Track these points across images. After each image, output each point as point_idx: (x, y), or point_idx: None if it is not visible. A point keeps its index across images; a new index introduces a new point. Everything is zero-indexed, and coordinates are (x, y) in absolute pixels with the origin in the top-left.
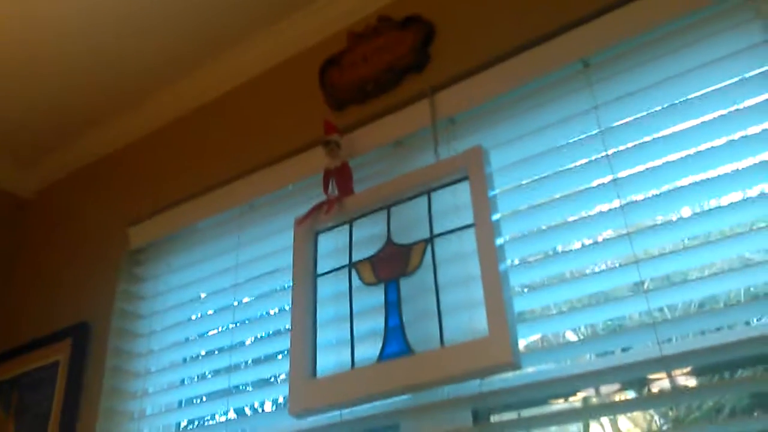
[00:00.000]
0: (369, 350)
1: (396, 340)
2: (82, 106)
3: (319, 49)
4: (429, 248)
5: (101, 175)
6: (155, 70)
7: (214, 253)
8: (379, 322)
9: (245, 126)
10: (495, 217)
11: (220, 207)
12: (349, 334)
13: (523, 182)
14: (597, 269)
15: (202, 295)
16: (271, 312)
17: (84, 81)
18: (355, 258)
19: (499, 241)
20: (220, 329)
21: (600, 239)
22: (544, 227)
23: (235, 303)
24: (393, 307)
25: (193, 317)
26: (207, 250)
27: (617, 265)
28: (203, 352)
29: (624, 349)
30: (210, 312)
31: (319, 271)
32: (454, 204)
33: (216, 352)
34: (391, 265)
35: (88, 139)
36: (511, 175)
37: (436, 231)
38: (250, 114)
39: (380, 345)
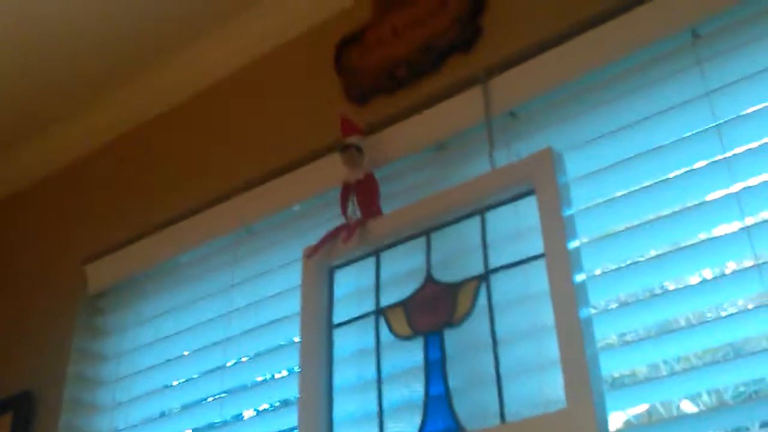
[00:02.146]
0: (404, 428)
1: (440, 413)
2: (27, 109)
3: (334, 22)
4: (483, 288)
5: (49, 197)
6: (119, 60)
7: (199, 297)
8: (416, 389)
9: (238, 129)
10: (573, 244)
11: (207, 235)
12: (376, 405)
13: (612, 196)
14: (723, 313)
15: (185, 354)
16: (276, 376)
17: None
18: (383, 302)
19: (580, 277)
20: (209, 399)
21: (726, 271)
22: (644, 256)
23: (228, 363)
24: (435, 368)
25: (174, 383)
26: (190, 292)
27: (751, 306)
28: None
29: (764, 425)
30: (195, 376)
31: (336, 319)
32: (516, 228)
33: None
34: (433, 312)
35: (31, 151)
36: (595, 186)
37: (492, 264)
38: (244, 113)
39: (419, 421)
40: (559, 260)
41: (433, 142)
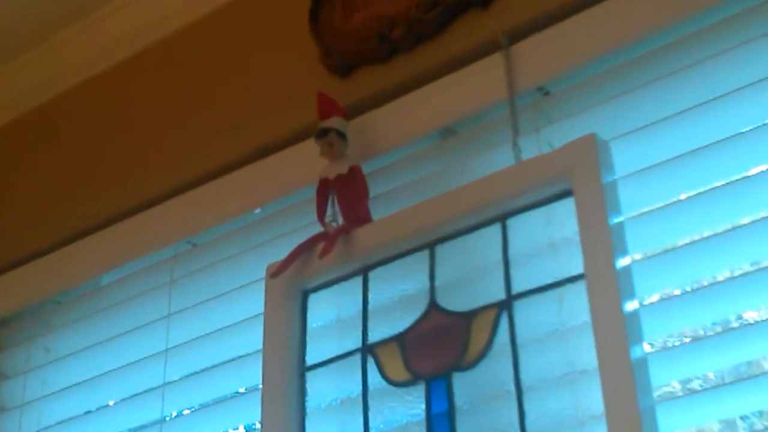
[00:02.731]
0: None
1: None
2: None
3: None
4: (504, 319)
5: None
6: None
7: (126, 330)
8: None
9: (178, 109)
10: (623, 262)
11: (136, 249)
12: None
13: (674, 199)
14: None
15: (110, 404)
16: None
17: None
18: (372, 336)
19: (631, 305)
20: None
21: None
22: (715, 278)
23: (167, 417)
24: (441, 424)
25: None
26: (114, 324)
27: None
28: None
29: None
30: None
31: (310, 359)
32: (548, 239)
33: None
34: (438, 350)
35: None
36: (651, 186)
37: (516, 288)
38: (186, 89)
39: None
40: (604, 283)
41: (438, 126)
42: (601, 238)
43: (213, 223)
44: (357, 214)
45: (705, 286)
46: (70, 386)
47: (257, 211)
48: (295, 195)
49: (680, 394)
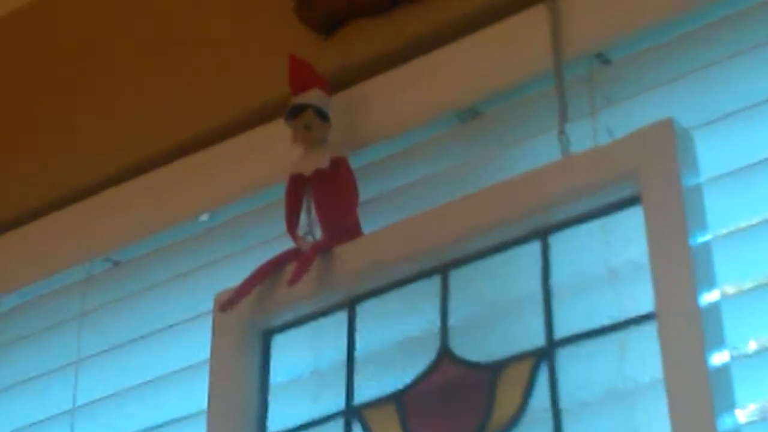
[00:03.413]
0: None
1: None
2: None
3: None
4: (543, 372)
5: None
6: None
7: (20, 378)
8: None
9: (97, 76)
10: (709, 297)
11: (38, 269)
12: None
13: None
14: None
15: None
16: None
17: None
18: (360, 395)
19: (720, 356)
20: None
21: None
22: None
23: None
24: None
25: None
26: (9, 365)
27: None
28: None
29: None
30: None
31: (274, 425)
32: (605, 264)
33: None
34: (452, 414)
35: None
36: (747, 193)
37: (561, 331)
38: (109, 51)
39: None
40: (683, 326)
41: (456, 105)
42: (679, 264)
43: (141, 235)
44: (341, 224)
45: None
46: None
47: (203, 218)
48: (255, 197)
49: None
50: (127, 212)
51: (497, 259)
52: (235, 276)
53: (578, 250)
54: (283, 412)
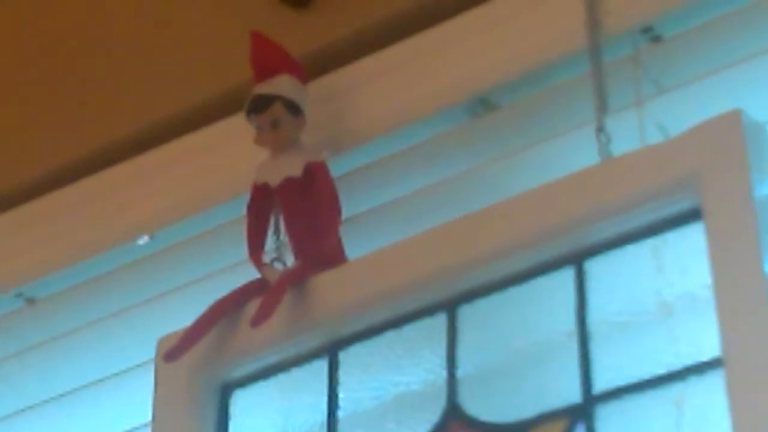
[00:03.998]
0: None
1: None
2: None
3: None
4: None
5: None
6: None
7: None
8: None
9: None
10: None
11: None
12: None
13: None
14: None
15: None
16: None
17: None
18: None
19: None
20: None
21: None
22: None
23: None
24: None
25: None
26: None
27: None
28: None
29: None
30: None
31: None
32: (657, 296)
33: None
34: None
35: None
36: None
37: (601, 383)
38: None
39: None
40: (758, 375)
41: (466, 94)
42: (751, 297)
43: (60, 265)
44: (319, 247)
45: None
46: None
47: (142, 241)
48: (208, 214)
49: None
50: (43, 235)
51: (519, 291)
52: (183, 315)
53: (622, 279)
54: None
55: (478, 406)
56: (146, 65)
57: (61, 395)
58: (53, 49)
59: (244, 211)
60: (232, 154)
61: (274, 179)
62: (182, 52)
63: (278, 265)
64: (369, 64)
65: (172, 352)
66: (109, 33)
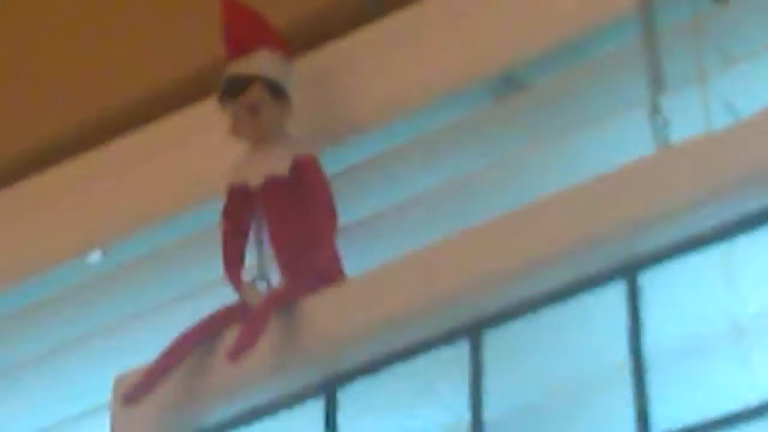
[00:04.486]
0: None
1: None
2: None
3: None
4: None
5: None
6: None
7: None
8: None
9: None
10: None
11: None
12: None
13: None
14: None
15: None
16: None
17: None
18: None
19: None
20: None
21: None
22: None
23: None
24: None
25: None
26: None
27: None
28: None
29: None
30: None
31: None
32: (726, 315)
33: None
34: None
35: None
36: None
37: (661, 424)
38: None
39: None
40: None
41: (489, 71)
42: None
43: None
44: (311, 262)
45: None
46: None
47: (93, 258)
48: (173, 223)
49: None
50: None
51: (558, 312)
52: (144, 347)
53: (684, 296)
54: None
55: None
56: (92, 42)
57: None
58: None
59: (218, 218)
60: (202, 149)
61: (255, 179)
62: (138, 24)
63: (261, 285)
64: (368, 35)
65: (133, 393)
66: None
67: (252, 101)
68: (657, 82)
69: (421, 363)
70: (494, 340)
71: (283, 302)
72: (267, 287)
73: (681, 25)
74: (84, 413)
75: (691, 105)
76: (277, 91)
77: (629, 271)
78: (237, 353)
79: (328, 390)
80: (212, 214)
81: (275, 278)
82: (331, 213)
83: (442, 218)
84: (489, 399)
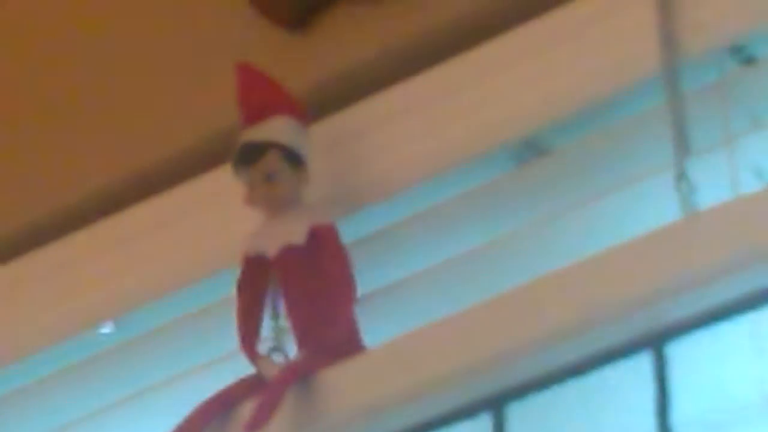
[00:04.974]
0: None
1: None
2: None
3: None
4: None
5: None
6: None
7: None
8: None
9: None
10: None
11: None
12: None
13: None
14: None
15: None
16: None
17: None
18: None
19: None
20: None
21: None
22: None
23: None
24: None
25: None
26: None
27: None
28: None
29: None
30: None
31: None
32: (757, 386)
33: None
34: None
35: None
36: None
37: None
38: None
39: None
40: None
41: (510, 135)
42: None
43: (3, 362)
44: (329, 334)
45: None
46: None
47: (105, 330)
48: (186, 295)
49: None
50: None
51: (582, 385)
52: (158, 422)
53: (713, 367)
54: None
55: None
56: (106, 110)
57: None
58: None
59: (233, 290)
60: (216, 218)
61: (271, 248)
62: (150, 91)
63: (278, 357)
64: (386, 100)
65: None
66: (59, 69)
67: (268, 169)
68: (683, 146)
69: None
70: (517, 414)
71: (300, 375)
72: (283, 360)
73: (707, 87)
74: None
75: (718, 169)
76: (293, 159)
77: (655, 342)
78: (253, 428)
79: None
80: (227, 285)
81: (292, 350)
82: (350, 283)
83: (463, 287)
84: None
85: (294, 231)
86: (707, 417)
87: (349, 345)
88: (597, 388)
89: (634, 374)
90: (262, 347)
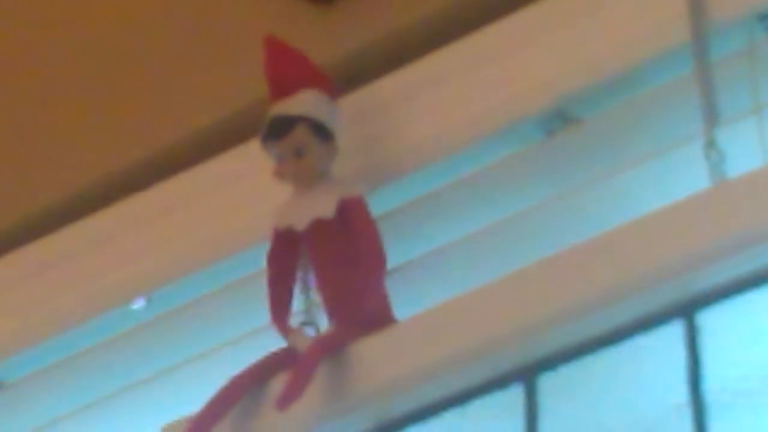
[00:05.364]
0: None
1: None
2: None
3: None
4: None
5: None
6: None
7: None
8: None
9: None
10: None
11: None
12: None
13: None
14: None
15: None
16: None
17: None
18: None
19: None
20: None
21: None
22: None
23: None
24: None
25: None
26: None
27: None
28: None
29: None
30: None
31: None
32: None
33: None
34: None
35: None
36: None
37: None
38: None
39: None
40: None
41: (539, 106)
42: None
43: (36, 338)
44: (359, 306)
45: None
46: None
47: (137, 305)
48: (218, 269)
49: None
50: (10, 304)
51: (614, 354)
52: (191, 396)
53: (745, 335)
54: None
55: None
56: (139, 85)
57: None
58: (22, 85)
59: (263, 263)
60: (246, 192)
61: (301, 222)
62: (181, 67)
63: (309, 331)
64: (414, 72)
65: None
66: (91, 50)
67: (297, 143)
68: (712, 115)
69: (473, 409)
70: (549, 384)
71: (332, 348)
72: (315, 333)
73: (735, 55)
74: None
75: (747, 137)
76: (322, 132)
77: (687, 311)
78: (285, 401)
79: None
80: (257, 259)
81: (323, 323)
82: (380, 255)
83: (494, 258)
84: None
85: (323, 204)
86: (739, 385)
87: (380, 317)
88: (628, 358)
89: (666, 343)
90: (293, 321)
